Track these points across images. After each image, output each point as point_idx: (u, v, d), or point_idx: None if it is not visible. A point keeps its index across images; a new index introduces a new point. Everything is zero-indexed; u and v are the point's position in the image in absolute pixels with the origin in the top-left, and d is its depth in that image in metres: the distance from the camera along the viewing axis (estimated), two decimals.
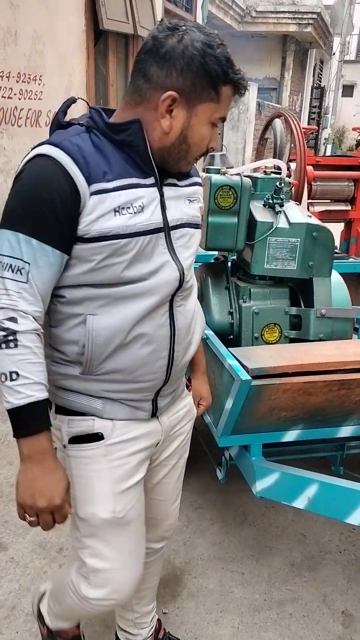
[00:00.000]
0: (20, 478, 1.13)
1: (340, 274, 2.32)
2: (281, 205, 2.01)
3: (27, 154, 1.12)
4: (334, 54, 17.90)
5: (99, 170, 1.09)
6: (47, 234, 1.07)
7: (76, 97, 1.15)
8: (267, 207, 2.04)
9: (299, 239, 1.98)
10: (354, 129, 3.27)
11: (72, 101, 1.18)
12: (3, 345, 1.06)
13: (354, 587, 2.07)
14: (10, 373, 1.07)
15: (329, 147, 16.93)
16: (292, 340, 2.12)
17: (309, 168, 2.83)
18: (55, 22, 3.75)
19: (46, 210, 1.06)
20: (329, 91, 18.93)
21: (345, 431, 1.99)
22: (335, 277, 2.18)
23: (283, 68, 14.71)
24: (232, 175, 1.99)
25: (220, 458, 2.20)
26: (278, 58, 14.72)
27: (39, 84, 3.67)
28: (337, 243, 3.25)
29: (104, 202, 1.09)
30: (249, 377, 1.66)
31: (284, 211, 2.01)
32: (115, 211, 1.09)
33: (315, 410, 1.84)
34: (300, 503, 1.71)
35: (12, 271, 1.06)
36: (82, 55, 4.15)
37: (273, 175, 2.12)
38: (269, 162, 2.12)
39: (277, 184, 1.99)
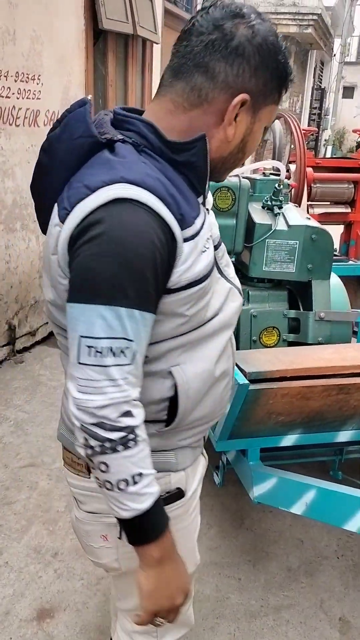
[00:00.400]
0: (150, 586, 0.95)
1: (340, 276, 2.31)
2: (280, 207, 1.99)
3: (89, 196, 0.85)
4: (334, 55, 17.89)
5: (186, 208, 0.91)
6: (148, 299, 0.87)
7: (88, 98, 0.93)
8: (265, 209, 2.02)
9: (297, 242, 1.96)
10: (354, 131, 3.26)
11: (83, 102, 0.93)
12: (120, 448, 0.86)
13: (352, 593, 2.05)
14: (133, 477, 0.88)
15: (329, 148, 16.93)
16: (291, 344, 2.11)
17: (309, 170, 2.82)
18: (54, 22, 3.73)
19: (147, 272, 0.85)
20: (329, 92, 18.93)
21: (343, 436, 1.97)
22: (334, 279, 2.16)
23: None
24: (230, 176, 1.97)
25: (217, 462, 2.18)
26: None
27: (38, 84, 3.65)
28: (336, 245, 3.23)
29: (197, 245, 0.92)
30: (247, 381, 1.64)
31: (282, 213, 2.00)
32: (202, 251, 0.94)
33: (314, 414, 1.82)
34: (298, 509, 1.69)
35: (114, 355, 0.84)
36: (81, 55, 4.13)
37: (272, 177, 2.10)
38: (268, 163, 2.11)
39: (276, 185, 1.97)
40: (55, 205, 0.93)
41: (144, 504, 0.89)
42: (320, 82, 18.19)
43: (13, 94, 3.41)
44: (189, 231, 0.91)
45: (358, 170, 3.15)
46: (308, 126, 15.20)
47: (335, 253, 2.89)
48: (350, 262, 3.31)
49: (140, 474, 0.88)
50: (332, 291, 2.08)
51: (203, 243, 0.95)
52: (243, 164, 1.22)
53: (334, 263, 2.11)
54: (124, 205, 0.84)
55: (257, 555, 2.18)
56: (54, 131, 0.95)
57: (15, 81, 3.42)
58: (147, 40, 5.17)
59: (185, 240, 0.90)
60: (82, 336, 0.84)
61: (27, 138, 3.62)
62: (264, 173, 2.16)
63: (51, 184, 0.95)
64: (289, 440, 1.91)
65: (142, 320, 0.86)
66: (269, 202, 2.02)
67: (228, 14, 0.90)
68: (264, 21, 0.92)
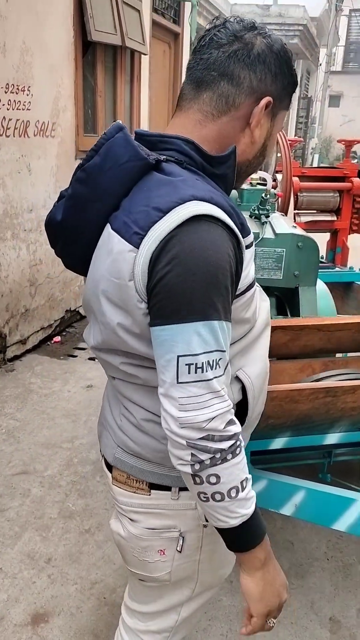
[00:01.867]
0: (260, 589, 0.97)
1: (327, 283, 2.36)
2: (267, 216, 2.05)
3: (162, 218, 0.85)
4: (320, 64, 18.13)
5: (242, 221, 0.95)
6: (229, 309, 0.90)
7: (121, 123, 0.93)
8: (253, 217, 2.07)
9: (284, 249, 2.02)
10: (339, 141, 3.33)
11: (119, 128, 0.92)
12: (230, 457, 0.88)
13: (341, 594, 2.09)
14: (242, 482, 0.90)
15: (316, 156, 17.12)
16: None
17: (295, 179, 2.88)
18: (43, 34, 3.78)
19: (228, 283, 0.88)
20: (315, 101, 19.17)
21: (331, 438, 2.01)
22: (321, 286, 2.21)
23: None
24: None
25: None
26: None
27: (28, 95, 3.69)
28: (323, 253, 3.29)
29: (252, 254, 0.99)
30: None
31: (269, 222, 2.05)
32: (252, 260, 1.00)
33: (302, 417, 1.86)
34: (288, 510, 1.73)
35: (212, 368, 0.86)
36: (70, 66, 4.19)
37: (259, 187, 2.16)
38: (255, 173, 2.16)
39: (263, 195, 2.02)
40: (112, 232, 0.92)
41: (251, 508, 0.92)
42: (307, 91, 18.42)
43: (3, 105, 3.45)
44: (248, 239, 0.97)
45: (343, 180, 3.22)
46: (295, 135, 15.37)
47: (322, 260, 2.95)
48: (337, 269, 3.37)
49: (246, 479, 0.91)
50: (318, 297, 2.13)
51: (253, 255, 1.00)
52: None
53: (321, 270, 2.17)
54: (200, 222, 0.85)
55: None
56: (90, 161, 0.92)
57: (6, 92, 3.47)
58: (135, 52, 5.24)
59: (247, 247, 0.96)
60: (180, 355, 0.85)
61: (18, 148, 3.66)
62: (251, 183, 2.21)
63: (94, 213, 0.95)
64: (278, 443, 1.95)
65: (227, 330, 0.90)
66: (256, 211, 2.07)
67: (245, 27, 0.96)
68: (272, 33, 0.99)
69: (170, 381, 0.87)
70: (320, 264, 2.20)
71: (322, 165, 12.75)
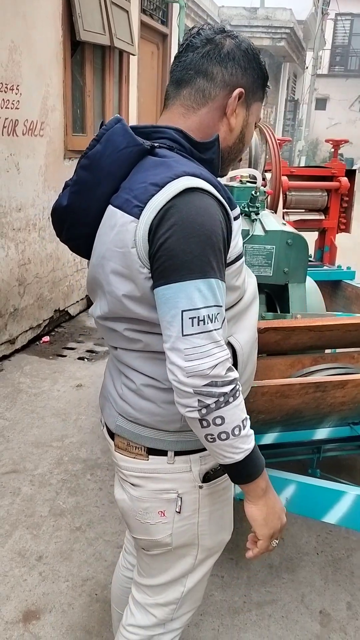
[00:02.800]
0: (263, 514, 1.10)
1: (315, 281, 2.38)
2: (257, 214, 2.06)
3: (159, 191, 0.97)
4: (306, 67, 18.27)
5: (229, 195, 1.07)
6: (223, 270, 1.03)
7: (119, 117, 1.05)
8: (243, 215, 2.09)
9: (274, 246, 2.03)
10: (327, 141, 3.36)
11: (118, 120, 1.04)
12: (231, 399, 0.99)
13: (331, 587, 2.11)
14: (243, 421, 1.02)
15: (303, 158, 17.23)
16: None
17: (284, 178, 2.90)
18: (32, 33, 3.77)
19: (221, 246, 1.00)
20: (302, 104, 19.30)
21: (321, 433, 2.03)
22: (310, 283, 2.24)
23: None
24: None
25: None
26: None
27: (17, 94, 3.68)
28: (311, 252, 3.32)
29: (240, 225, 1.11)
30: None
31: (259, 219, 2.06)
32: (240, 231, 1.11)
33: (292, 412, 1.88)
34: None
35: (212, 321, 0.97)
36: (59, 66, 4.18)
37: (249, 185, 2.17)
38: (245, 171, 2.18)
39: (253, 192, 2.04)
40: (114, 209, 1.03)
41: (252, 443, 1.04)
42: (294, 94, 18.55)
43: None
44: (236, 211, 1.09)
45: (331, 179, 3.25)
46: (282, 136, 15.45)
47: (310, 259, 2.98)
48: (325, 267, 3.41)
49: (246, 418, 1.03)
50: (307, 294, 2.15)
51: (240, 227, 1.12)
52: (240, 160, 1.40)
53: (309, 269, 2.19)
54: (193, 193, 0.98)
55: (240, 554, 2.22)
56: (93, 149, 1.04)
57: None
58: (123, 52, 5.25)
59: (235, 219, 1.08)
60: (184, 310, 0.96)
61: (6, 147, 3.65)
62: (240, 181, 2.23)
63: (98, 196, 1.06)
64: (268, 438, 1.97)
65: (223, 288, 1.02)
66: (246, 209, 2.08)
67: (216, 31, 1.11)
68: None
69: (176, 335, 0.97)
70: (308, 263, 2.22)
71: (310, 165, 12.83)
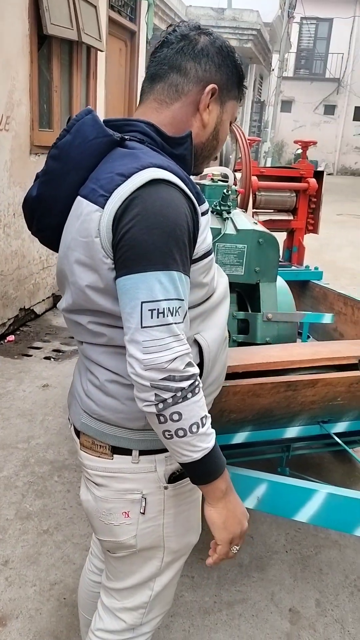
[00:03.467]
0: (222, 517, 1.07)
1: (284, 281, 2.39)
2: (228, 212, 2.05)
3: (125, 181, 0.96)
4: (273, 70, 18.45)
5: (197, 190, 1.06)
6: (187, 264, 1.01)
7: (90, 108, 1.06)
8: (214, 213, 2.08)
9: (245, 245, 2.03)
10: (295, 142, 3.39)
11: (89, 111, 1.04)
12: (190, 395, 0.97)
13: (300, 585, 2.12)
14: (202, 419, 0.99)
15: (269, 160, 17.41)
16: (240, 344, 2.17)
17: (254, 178, 2.91)
18: None
19: (185, 240, 0.99)
20: (268, 106, 19.50)
21: (291, 432, 2.04)
22: (280, 282, 2.24)
23: None
24: None
25: None
26: None
27: None
28: (280, 252, 3.35)
29: (208, 221, 1.09)
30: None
31: (231, 218, 2.06)
32: (208, 229, 1.10)
33: (264, 411, 1.88)
34: (250, 503, 1.74)
35: (172, 314, 0.96)
36: (25, 59, 4.09)
37: (220, 183, 2.16)
38: (216, 169, 2.17)
39: (224, 191, 2.03)
40: (81, 199, 1.02)
41: (211, 442, 1.01)
42: (260, 96, 18.71)
43: None
44: (204, 207, 1.07)
45: (299, 180, 3.28)
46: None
47: (279, 259, 3.00)
48: (293, 267, 3.44)
49: (205, 416, 1.01)
50: (278, 293, 2.16)
51: (209, 223, 1.10)
52: (216, 158, 1.39)
53: (278, 269, 2.19)
54: (159, 185, 0.97)
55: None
56: (63, 139, 1.03)
57: None
58: (91, 47, 5.18)
59: (202, 214, 1.06)
60: (143, 302, 0.94)
61: None
62: (212, 179, 2.22)
63: (67, 186, 1.05)
64: (239, 437, 1.96)
65: (186, 282, 1.00)
66: (218, 207, 2.07)
67: (191, 28, 1.11)
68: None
69: (135, 326, 0.95)
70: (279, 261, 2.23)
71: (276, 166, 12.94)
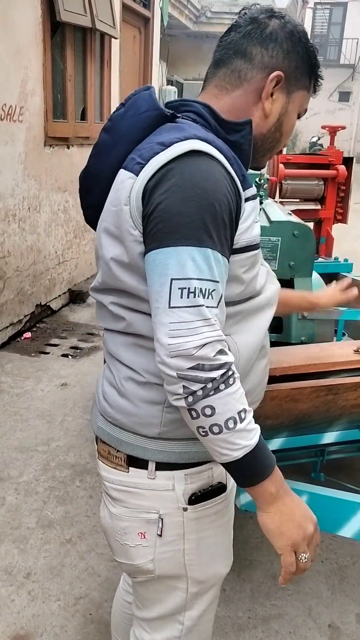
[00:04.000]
0: (276, 522, 0.94)
1: None
2: (261, 202, 1.92)
3: (164, 150, 0.89)
4: None
5: (244, 173, 0.97)
6: (225, 245, 0.91)
7: (150, 85, 1.01)
8: None
9: (279, 238, 1.90)
10: (323, 127, 3.23)
11: (147, 87, 0.99)
12: (222, 386, 0.86)
13: (339, 598, 2.00)
14: (239, 413, 0.88)
15: (284, 149, 17.17)
16: (273, 344, 2.04)
17: (280, 166, 2.77)
18: (9, 12, 3.56)
19: (225, 217, 0.89)
20: None
21: (329, 437, 1.91)
22: (315, 277, 2.11)
23: None
24: None
25: None
26: None
27: None
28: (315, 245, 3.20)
29: (254, 208, 0.99)
30: None
31: (263, 208, 1.92)
32: (255, 221, 1.00)
33: (301, 416, 1.75)
34: None
35: (204, 296, 0.86)
36: (38, 47, 3.96)
37: (252, 171, 2.03)
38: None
39: (257, 179, 1.90)
40: (121, 170, 0.95)
41: (254, 439, 0.90)
42: None
43: None
44: (250, 192, 0.97)
45: (327, 167, 3.12)
46: None
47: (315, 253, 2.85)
48: (321, 259, 3.29)
49: (244, 410, 0.89)
50: (314, 289, 2.02)
51: (256, 213, 1.00)
52: (281, 152, 1.29)
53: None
54: (200, 157, 0.89)
55: (241, 564, 2.10)
56: (118, 111, 1.00)
57: None
58: (105, 35, 5.04)
59: (247, 199, 0.96)
60: (174, 279, 0.85)
61: None
62: None
63: (112, 159, 0.99)
64: (274, 444, 1.84)
65: (224, 265, 0.90)
66: None
67: (262, 11, 1.05)
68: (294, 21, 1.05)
69: (163, 306, 0.86)
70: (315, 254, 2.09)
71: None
